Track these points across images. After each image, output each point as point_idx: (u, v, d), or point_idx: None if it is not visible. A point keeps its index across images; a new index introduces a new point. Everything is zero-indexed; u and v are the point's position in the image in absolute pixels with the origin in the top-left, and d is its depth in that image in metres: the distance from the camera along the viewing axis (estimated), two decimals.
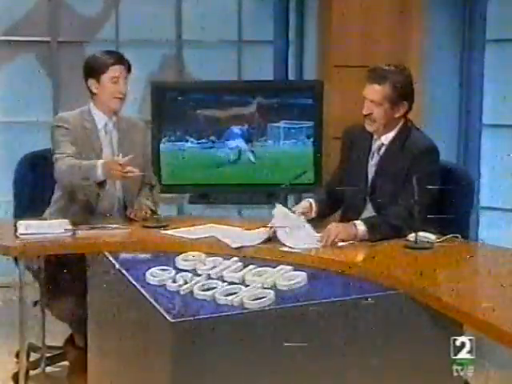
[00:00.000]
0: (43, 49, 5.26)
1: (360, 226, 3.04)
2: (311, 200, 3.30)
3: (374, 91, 3.17)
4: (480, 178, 5.08)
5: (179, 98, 4.68)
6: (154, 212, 3.49)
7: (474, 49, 5.11)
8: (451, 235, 2.99)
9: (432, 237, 2.96)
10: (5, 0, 5.19)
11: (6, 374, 3.62)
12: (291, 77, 5.28)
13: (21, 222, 3.31)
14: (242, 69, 5.40)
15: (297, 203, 5.06)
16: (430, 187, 3.06)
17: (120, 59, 3.58)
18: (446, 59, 5.17)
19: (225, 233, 3.14)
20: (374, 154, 3.31)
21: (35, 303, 3.45)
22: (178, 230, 3.25)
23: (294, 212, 3.20)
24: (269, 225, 3.04)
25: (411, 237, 2.92)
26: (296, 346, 2.33)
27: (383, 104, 3.18)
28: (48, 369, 3.57)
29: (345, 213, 3.38)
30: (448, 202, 3.33)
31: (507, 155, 5.07)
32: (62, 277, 3.29)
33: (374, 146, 3.31)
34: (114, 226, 3.32)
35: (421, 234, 2.91)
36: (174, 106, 4.67)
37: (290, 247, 2.93)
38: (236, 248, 2.93)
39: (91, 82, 3.56)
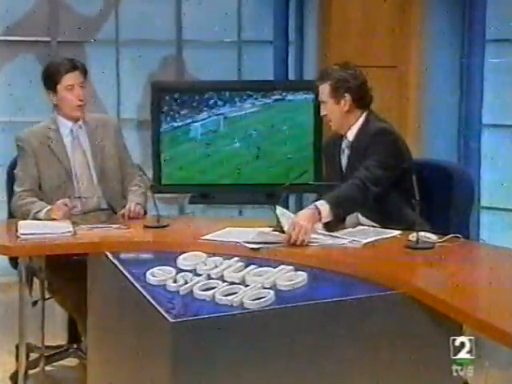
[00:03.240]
0: (43, 49, 5.26)
1: (323, 207, 3.03)
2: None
3: (320, 91, 3.36)
4: (480, 178, 5.08)
5: (179, 97, 4.68)
6: (145, 213, 3.59)
7: (474, 49, 5.11)
8: (452, 235, 2.99)
9: (433, 237, 2.96)
10: (5, 0, 5.19)
11: (6, 374, 3.62)
12: (291, 77, 5.28)
13: (21, 221, 3.31)
14: (241, 69, 5.41)
15: (297, 203, 5.12)
16: (381, 164, 3.19)
17: (71, 66, 3.57)
18: (445, 59, 5.17)
19: (243, 234, 3.10)
20: (344, 152, 3.40)
21: (35, 303, 3.45)
22: (212, 234, 3.16)
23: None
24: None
25: (412, 237, 2.92)
26: (296, 346, 2.33)
27: (328, 101, 3.33)
28: (47, 368, 3.58)
29: None
30: (448, 201, 3.34)
31: (507, 155, 5.08)
32: (67, 270, 3.29)
33: (343, 145, 3.41)
34: (115, 226, 3.32)
35: (422, 233, 2.91)
36: (174, 105, 4.67)
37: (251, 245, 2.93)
38: (253, 249, 2.91)
39: (49, 93, 3.62)
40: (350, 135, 3.36)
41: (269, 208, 4.43)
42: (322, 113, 3.37)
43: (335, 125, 3.37)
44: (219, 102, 4.69)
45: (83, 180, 3.62)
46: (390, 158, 3.23)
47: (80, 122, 3.65)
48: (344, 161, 3.40)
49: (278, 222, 3.10)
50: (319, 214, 3.02)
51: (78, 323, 3.47)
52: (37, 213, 3.41)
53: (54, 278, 3.42)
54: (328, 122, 3.38)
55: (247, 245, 2.93)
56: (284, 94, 4.68)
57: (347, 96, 3.31)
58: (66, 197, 3.49)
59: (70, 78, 3.55)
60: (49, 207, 3.41)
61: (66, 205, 3.38)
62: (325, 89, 3.32)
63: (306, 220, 2.97)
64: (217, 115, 4.69)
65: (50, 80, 3.58)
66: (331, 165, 3.50)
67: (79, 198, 3.55)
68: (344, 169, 3.39)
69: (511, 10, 4.99)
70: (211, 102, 4.68)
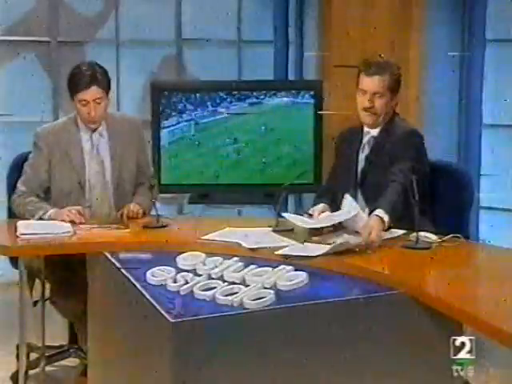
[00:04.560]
0: (43, 49, 5.26)
1: (385, 217, 2.98)
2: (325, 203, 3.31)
3: (377, 82, 3.23)
4: (480, 178, 5.08)
5: (179, 97, 4.68)
6: (144, 213, 3.53)
7: (474, 49, 5.10)
8: (452, 235, 2.99)
9: (433, 237, 2.96)
10: (5, 0, 5.19)
11: (6, 374, 3.62)
12: (291, 77, 5.28)
13: (21, 221, 3.31)
14: (241, 69, 5.41)
15: (296, 203, 5.12)
16: (414, 167, 3.11)
17: (90, 82, 3.44)
18: (445, 59, 5.17)
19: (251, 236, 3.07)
20: (364, 147, 3.35)
21: (35, 303, 3.45)
22: (212, 234, 3.14)
23: (310, 215, 3.23)
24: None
25: (412, 237, 2.92)
26: (296, 346, 2.33)
27: (385, 94, 3.24)
28: (47, 368, 3.58)
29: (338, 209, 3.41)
30: (448, 201, 3.34)
31: (507, 155, 5.07)
32: (66, 274, 3.29)
33: (365, 139, 3.36)
34: (114, 226, 3.32)
35: (421, 233, 2.91)
36: (174, 105, 4.67)
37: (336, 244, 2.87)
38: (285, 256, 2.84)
39: (70, 98, 3.54)
40: (375, 131, 3.31)
41: (268, 208, 4.46)
42: (369, 104, 3.23)
43: (377, 119, 3.27)
44: (219, 102, 4.69)
45: (96, 189, 3.57)
46: (420, 162, 3.21)
47: (101, 129, 3.56)
48: (363, 156, 3.34)
49: (278, 221, 3.13)
50: (383, 222, 2.97)
51: (79, 332, 3.47)
52: (43, 214, 3.38)
53: (54, 286, 3.41)
54: (370, 114, 3.26)
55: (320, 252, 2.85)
56: (284, 93, 4.68)
57: (399, 93, 3.27)
58: (74, 204, 3.44)
59: (84, 95, 3.44)
60: (52, 210, 3.39)
61: (79, 212, 3.34)
62: (384, 80, 3.22)
63: (378, 226, 2.93)
64: (216, 114, 4.69)
65: (69, 88, 3.50)
66: (344, 158, 3.43)
67: (88, 207, 3.52)
68: (362, 165, 3.34)
69: (511, 9, 4.98)
70: (211, 101, 4.69)
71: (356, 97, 3.32)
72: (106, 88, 3.50)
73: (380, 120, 3.28)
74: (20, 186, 3.53)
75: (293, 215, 3.24)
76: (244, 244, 2.96)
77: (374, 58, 3.32)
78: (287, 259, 2.78)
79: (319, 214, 3.22)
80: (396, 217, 3.01)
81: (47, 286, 3.45)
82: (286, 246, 2.92)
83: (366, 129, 3.34)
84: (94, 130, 3.56)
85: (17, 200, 3.51)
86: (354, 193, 3.32)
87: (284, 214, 3.15)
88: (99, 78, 3.47)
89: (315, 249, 2.87)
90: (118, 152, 3.59)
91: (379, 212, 2.98)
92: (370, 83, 3.24)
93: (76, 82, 3.46)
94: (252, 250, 2.91)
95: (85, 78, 3.46)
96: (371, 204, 3.18)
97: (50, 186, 3.55)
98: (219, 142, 4.70)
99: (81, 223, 3.31)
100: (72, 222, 3.30)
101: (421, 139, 3.28)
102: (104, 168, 3.58)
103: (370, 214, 3.06)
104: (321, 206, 3.30)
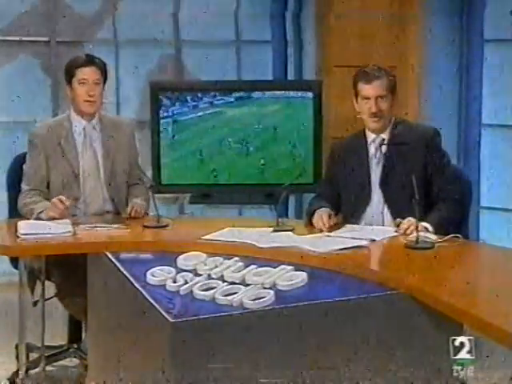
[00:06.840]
0: (43, 48, 5.26)
1: (430, 229, 3.08)
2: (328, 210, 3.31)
3: (378, 86, 3.29)
4: (480, 178, 5.08)
5: (178, 97, 4.68)
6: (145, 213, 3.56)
7: (473, 49, 5.11)
8: (452, 235, 2.99)
9: (433, 237, 2.96)
10: (4, 0, 5.19)
11: (6, 374, 3.62)
12: (290, 77, 5.28)
13: (22, 221, 3.31)
14: (241, 69, 5.41)
15: (297, 203, 5.12)
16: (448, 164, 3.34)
17: (88, 61, 3.56)
18: (445, 59, 5.17)
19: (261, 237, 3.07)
20: (376, 153, 3.35)
21: (35, 303, 3.45)
22: (212, 234, 3.14)
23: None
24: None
25: (412, 237, 2.92)
26: (296, 346, 2.33)
27: (387, 96, 3.30)
28: (47, 368, 3.58)
29: (346, 217, 3.40)
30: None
31: (507, 155, 5.08)
32: (71, 272, 3.28)
33: (373, 146, 3.36)
34: (115, 226, 3.32)
35: (421, 233, 2.91)
36: (173, 105, 4.67)
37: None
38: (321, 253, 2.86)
39: (67, 87, 3.61)
40: (385, 135, 3.34)
41: (269, 208, 4.46)
42: (374, 109, 3.28)
43: (384, 122, 3.32)
44: (218, 102, 4.69)
45: (90, 181, 3.60)
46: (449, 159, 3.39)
47: (94, 122, 3.62)
48: (376, 164, 3.36)
49: (278, 221, 3.13)
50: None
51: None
52: (40, 213, 3.40)
53: (62, 283, 3.41)
54: (377, 119, 3.30)
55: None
56: (283, 93, 4.68)
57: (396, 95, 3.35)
58: (70, 196, 3.46)
59: (83, 72, 3.53)
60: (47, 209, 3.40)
61: (61, 202, 3.36)
62: (384, 82, 3.29)
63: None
64: (215, 114, 4.69)
65: (67, 73, 3.58)
66: (353, 170, 3.41)
67: (83, 201, 3.56)
68: (379, 171, 3.34)
69: (510, 9, 4.98)
70: (210, 101, 4.69)
71: (357, 106, 3.36)
72: (104, 74, 3.60)
73: (386, 122, 3.32)
74: (23, 187, 3.57)
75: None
76: (257, 244, 2.95)
77: (368, 67, 3.38)
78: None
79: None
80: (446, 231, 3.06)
81: (47, 285, 3.45)
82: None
83: (371, 134, 3.36)
84: (89, 119, 3.60)
85: (22, 200, 3.54)
86: (366, 203, 3.34)
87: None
88: (97, 60, 3.60)
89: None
90: (110, 145, 3.64)
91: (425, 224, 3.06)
92: (372, 89, 3.29)
93: (74, 62, 3.58)
94: (264, 249, 2.90)
95: (83, 58, 3.61)
96: (395, 208, 3.26)
97: (49, 181, 3.58)
98: (219, 141, 4.70)
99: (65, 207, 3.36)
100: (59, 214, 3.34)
101: (440, 136, 3.37)
102: (97, 159, 3.62)
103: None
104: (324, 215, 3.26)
